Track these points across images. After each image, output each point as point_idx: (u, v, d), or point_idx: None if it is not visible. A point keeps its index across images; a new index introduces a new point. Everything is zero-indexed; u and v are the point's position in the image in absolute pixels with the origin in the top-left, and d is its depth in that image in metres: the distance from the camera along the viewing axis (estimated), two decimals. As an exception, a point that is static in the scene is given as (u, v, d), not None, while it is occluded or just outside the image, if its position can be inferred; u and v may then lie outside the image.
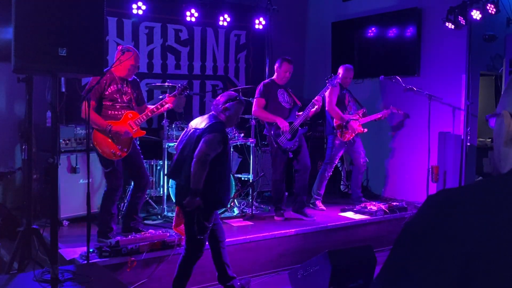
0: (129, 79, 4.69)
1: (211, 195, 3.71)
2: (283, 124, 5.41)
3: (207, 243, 3.89)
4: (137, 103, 4.78)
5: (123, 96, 4.60)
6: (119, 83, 4.58)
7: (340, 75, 6.21)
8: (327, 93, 6.04)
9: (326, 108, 6.11)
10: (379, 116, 6.47)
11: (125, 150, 4.57)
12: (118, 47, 4.68)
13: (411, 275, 0.78)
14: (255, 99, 5.63)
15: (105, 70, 4.15)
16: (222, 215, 5.59)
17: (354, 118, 6.19)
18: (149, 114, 4.72)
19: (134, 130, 4.59)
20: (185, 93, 4.99)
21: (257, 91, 5.64)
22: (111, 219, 4.61)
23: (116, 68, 4.54)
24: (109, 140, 4.51)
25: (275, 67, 5.70)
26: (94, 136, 4.50)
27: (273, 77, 5.72)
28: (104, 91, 4.49)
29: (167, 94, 4.88)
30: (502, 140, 0.92)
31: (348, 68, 6.29)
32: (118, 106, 4.58)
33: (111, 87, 4.53)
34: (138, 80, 4.92)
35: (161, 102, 4.77)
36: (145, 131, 4.81)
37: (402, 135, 7.08)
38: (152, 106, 4.78)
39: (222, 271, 4.02)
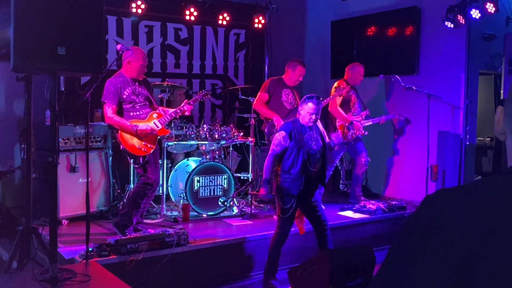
0: (140, 79, 4.80)
1: None
2: (279, 122, 5.43)
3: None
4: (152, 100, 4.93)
5: (139, 96, 4.74)
6: (132, 85, 4.70)
7: (349, 74, 6.21)
8: (332, 91, 6.06)
9: (329, 109, 6.07)
10: (379, 120, 6.46)
11: (151, 145, 4.72)
12: (117, 46, 4.70)
13: (410, 273, 0.78)
14: (258, 93, 5.70)
15: (105, 69, 4.17)
16: (222, 214, 5.61)
17: (356, 119, 6.18)
18: (173, 115, 4.92)
19: (158, 128, 4.75)
20: (206, 98, 5.32)
21: (262, 86, 5.73)
22: (136, 213, 4.69)
23: (125, 70, 4.70)
24: (135, 137, 4.66)
25: (288, 68, 5.71)
26: (119, 136, 4.66)
27: (282, 76, 5.74)
28: (121, 95, 4.64)
29: (185, 100, 5.05)
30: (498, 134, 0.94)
31: (358, 66, 6.26)
32: (138, 107, 4.74)
33: (127, 90, 4.67)
34: (148, 79, 5.03)
35: (180, 107, 4.94)
36: (169, 131, 5.05)
37: (401, 134, 7.08)
38: (174, 109, 4.95)
39: None
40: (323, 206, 6.12)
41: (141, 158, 4.68)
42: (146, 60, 4.86)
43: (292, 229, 5.01)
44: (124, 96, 4.65)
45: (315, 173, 4.32)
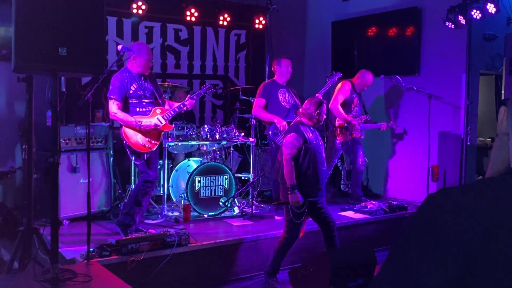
0: (146, 74, 4.81)
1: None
2: (281, 124, 5.43)
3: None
4: (158, 95, 4.93)
5: (145, 91, 4.75)
6: (138, 80, 4.71)
7: (358, 79, 6.26)
8: (336, 90, 6.09)
9: (330, 106, 6.09)
10: (378, 127, 6.49)
11: (154, 142, 4.73)
12: (118, 47, 4.72)
13: (411, 273, 0.78)
14: (255, 99, 5.68)
15: (106, 70, 4.18)
16: (223, 214, 5.61)
17: (356, 121, 6.20)
18: (176, 110, 4.91)
19: (162, 124, 4.76)
20: (210, 92, 5.33)
21: (257, 92, 5.72)
22: (139, 211, 4.70)
23: (131, 65, 4.71)
24: (139, 134, 4.67)
25: (274, 68, 5.77)
26: (123, 132, 4.66)
27: (274, 78, 5.76)
28: (128, 90, 4.64)
29: (189, 95, 5.07)
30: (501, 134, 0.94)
31: (369, 75, 6.30)
32: (144, 103, 4.75)
33: (133, 85, 4.68)
34: (153, 73, 5.03)
35: (183, 101, 4.96)
36: (173, 126, 5.09)
37: (402, 135, 7.08)
38: (177, 104, 4.96)
39: None
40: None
41: (145, 155, 4.69)
42: (151, 54, 4.85)
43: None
44: (131, 92, 4.65)
45: (323, 172, 4.34)
